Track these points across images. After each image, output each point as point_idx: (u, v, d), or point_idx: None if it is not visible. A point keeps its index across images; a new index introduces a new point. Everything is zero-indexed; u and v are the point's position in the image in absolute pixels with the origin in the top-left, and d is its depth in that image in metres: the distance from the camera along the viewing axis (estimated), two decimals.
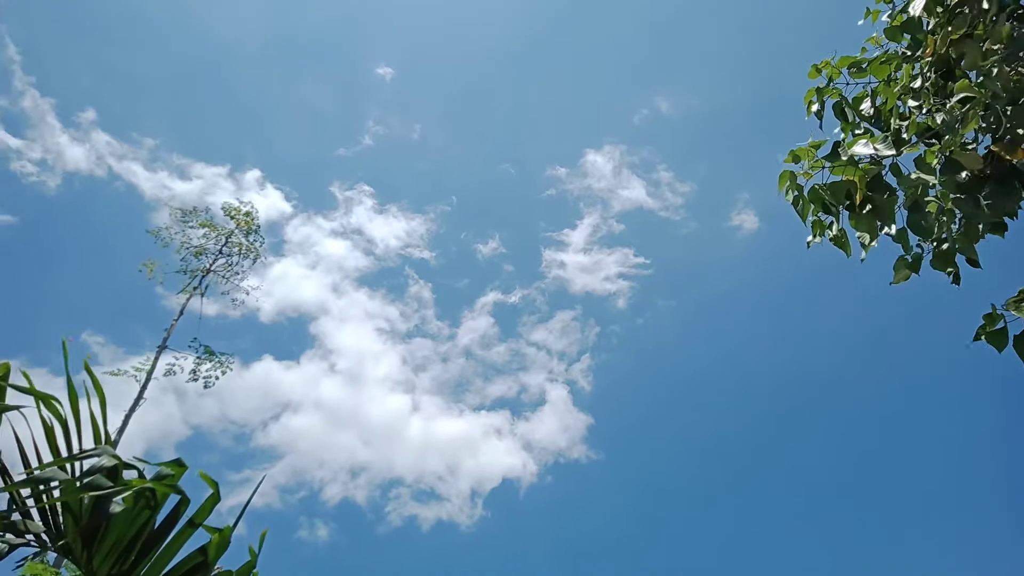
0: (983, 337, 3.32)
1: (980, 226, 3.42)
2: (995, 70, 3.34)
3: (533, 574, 28.69)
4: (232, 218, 22.78)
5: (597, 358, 34.14)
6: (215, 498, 2.12)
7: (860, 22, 4.05)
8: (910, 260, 3.83)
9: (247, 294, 22.79)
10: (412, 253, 36.23)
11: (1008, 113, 3.22)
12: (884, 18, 3.93)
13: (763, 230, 31.89)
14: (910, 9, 3.64)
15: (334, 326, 36.24)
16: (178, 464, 2.03)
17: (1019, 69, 3.43)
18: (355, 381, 36.12)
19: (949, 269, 3.54)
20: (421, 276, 37.12)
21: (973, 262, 3.48)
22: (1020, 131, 3.26)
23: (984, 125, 3.45)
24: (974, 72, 3.45)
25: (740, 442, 30.91)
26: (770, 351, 32.51)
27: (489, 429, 32.95)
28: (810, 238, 3.87)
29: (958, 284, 3.59)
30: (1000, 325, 3.27)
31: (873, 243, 3.64)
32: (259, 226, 23.08)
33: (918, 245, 3.74)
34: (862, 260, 3.67)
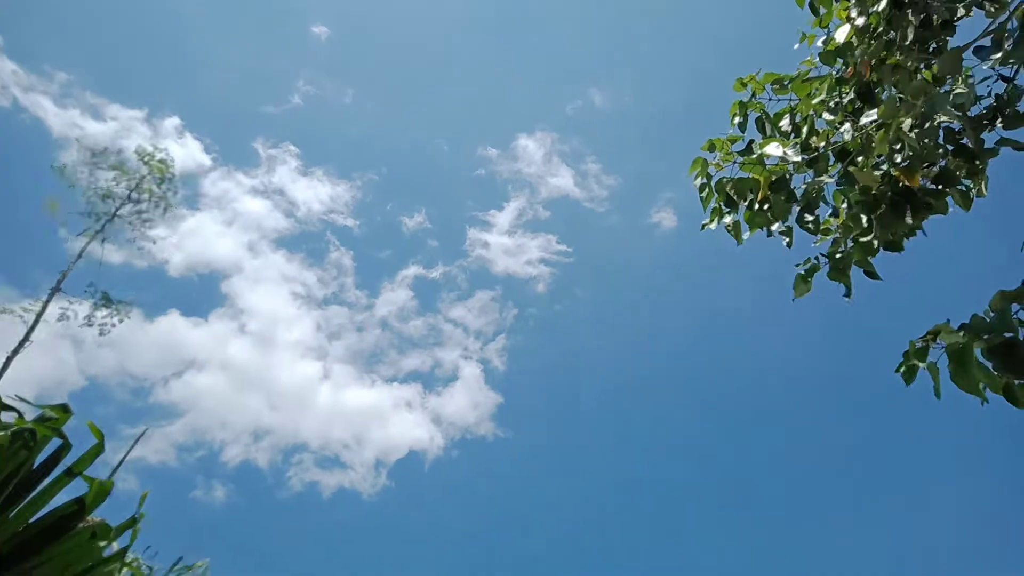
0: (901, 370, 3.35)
1: (875, 242, 3.52)
2: (905, 99, 3.52)
3: (433, 545, 28.34)
4: (145, 163, 21.73)
5: (512, 340, 34.43)
6: (99, 448, 2.07)
7: (796, 46, 4.22)
8: (804, 273, 3.90)
9: (153, 243, 21.82)
10: (335, 219, 35.64)
11: (913, 140, 3.37)
12: (819, 43, 4.11)
13: (681, 229, 33.18)
14: (836, 35, 3.82)
15: (247, 286, 34.95)
16: (63, 409, 2.01)
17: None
18: (265, 344, 34.86)
19: (842, 280, 3.61)
20: (343, 243, 36.59)
21: (871, 274, 3.56)
22: (920, 159, 3.41)
23: (891, 149, 3.62)
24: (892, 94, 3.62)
25: (646, 432, 31.53)
26: (680, 347, 33.53)
27: (400, 401, 32.54)
28: (706, 221, 3.94)
29: (849, 297, 3.67)
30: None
31: (750, 233, 3.77)
32: (174, 175, 22.13)
33: (816, 257, 3.82)
34: (739, 243, 3.78)
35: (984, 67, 3.22)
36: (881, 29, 3.60)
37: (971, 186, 3.77)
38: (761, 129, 4.35)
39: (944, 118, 3.52)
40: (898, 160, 3.61)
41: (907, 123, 3.16)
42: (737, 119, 4.38)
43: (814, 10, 3.90)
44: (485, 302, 35.08)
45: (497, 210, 37.85)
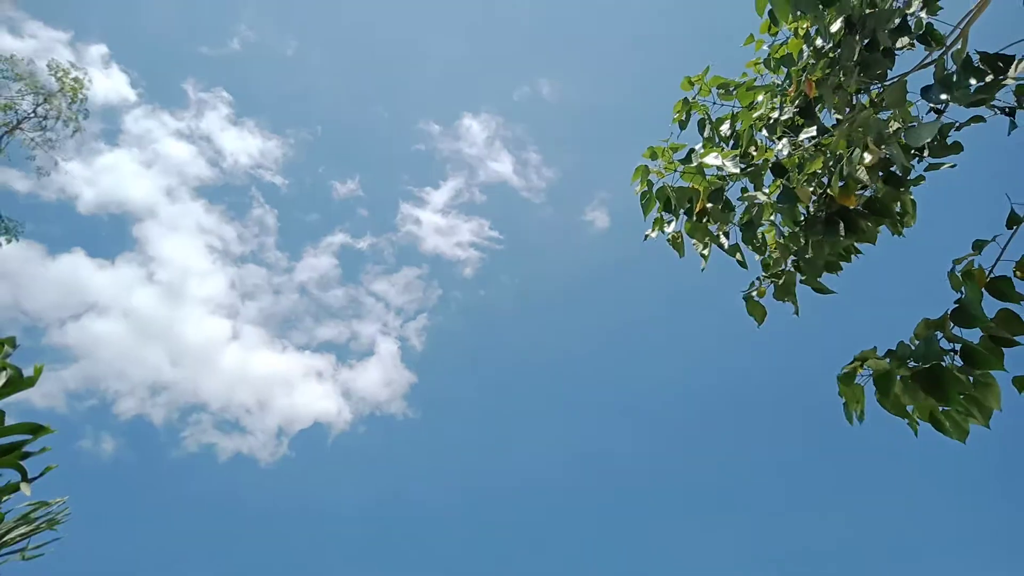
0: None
1: (819, 261, 3.56)
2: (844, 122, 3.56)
3: (328, 518, 27.84)
4: (58, 80, 19.57)
5: (434, 320, 34.01)
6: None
7: (743, 45, 4.17)
8: (755, 295, 3.88)
9: (55, 164, 19.75)
10: (262, 175, 33.41)
11: (850, 161, 3.40)
12: (766, 48, 4.09)
13: (612, 230, 34.04)
14: (787, 45, 3.80)
15: (161, 233, 32.09)
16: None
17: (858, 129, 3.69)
18: (174, 295, 32.36)
19: (788, 299, 3.63)
20: (268, 201, 34.35)
21: (821, 290, 3.59)
22: (855, 180, 3.44)
23: (825, 169, 3.67)
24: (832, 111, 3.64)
25: (557, 428, 32.40)
26: (599, 346, 34.62)
27: (310, 370, 31.31)
28: (649, 231, 3.86)
29: (797, 315, 3.69)
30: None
31: (706, 251, 3.69)
32: (87, 96, 19.97)
33: (760, 279, 3.83)
34: (702, 269, 3.71)
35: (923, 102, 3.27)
36: (827, 48, 3.60)
37: (902, 214, 3.89)
38: (701, 131, 4.31)
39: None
40: (829, 180, 3.66)
41: (860, 154, 3.16)
42: (680, 116, 4.31)
43: (773, 19, 3.84)
44: (410, 279, 34.23)
45: (433, 188, 36.76)
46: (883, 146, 3.02)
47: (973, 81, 2.75)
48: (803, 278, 3.56)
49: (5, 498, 2.24)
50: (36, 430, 2.18)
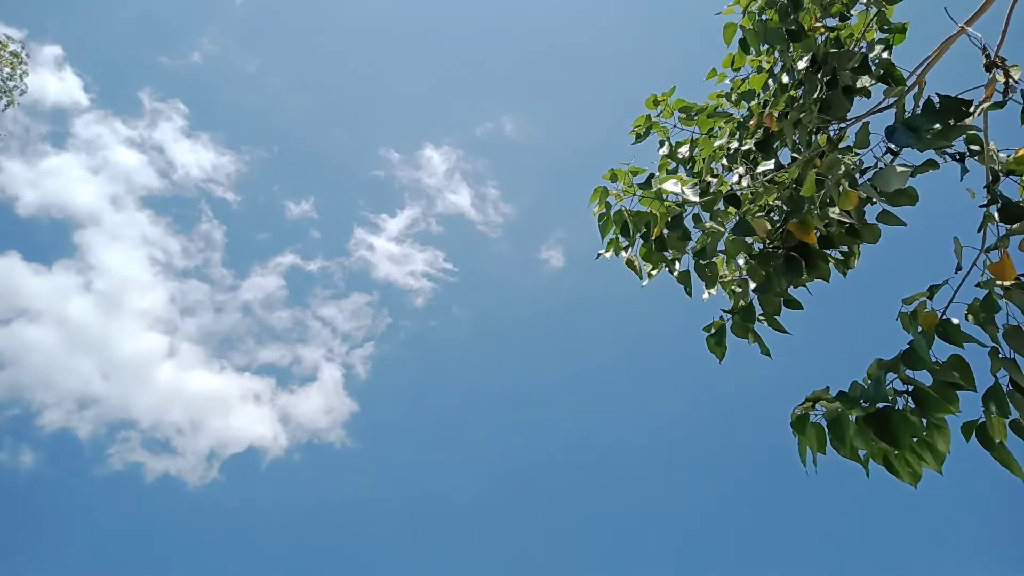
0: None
1: (779, 299, 3.48)
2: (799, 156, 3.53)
3: (255, 547, 26.56)
4: None
5: (381, 348, 33.12)
6: None
7: (705, 80, 4.15)
8: (713, 336, 3.76)
9: None
10: (213, 189, 32.09)
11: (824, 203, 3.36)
12: (728, 82, 4.08)
13: (567, 270, 34.28)
14: (761, 86, 3.77)
15: (103, 241, 30.37)
16: None
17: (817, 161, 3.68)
18: (110, 306, 30.56)
19: (750, 340, 3.53)
20: (217, 216, 32.95)
21: (778, 328, 3.49)
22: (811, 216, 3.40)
23: (780, 205, 3.64)
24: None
25: (500, 466, 31.98)
26: (547, 385, 34.60)
27: (248, 393, 29.90)
28: (603, 251, 3.75)
29: (768, 355, 3.58)
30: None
31: (654, 271, 3.62)
32: (26, 71, 18.77)
33: (721, 315, 3.72)
34: (643, 286, 3.63)
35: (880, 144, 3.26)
36: (792, 84, 3.58)
37: (848, 255, 3.89)
38: (660, 148, 4.26)
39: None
40: (786, 216, 3.62)
41: (837, 195, 3.11)
42: (639, 131, 4.25)
43: (744, 48, 3.81)
44: (360, 305, 33.41)
45: (389, 215, 36.15)
46: (858, 189, 2.98)
47: (936, 125, 2.73)
48: (761, 315, 3.49)
49: None
50: None
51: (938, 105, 2.96)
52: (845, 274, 3.95)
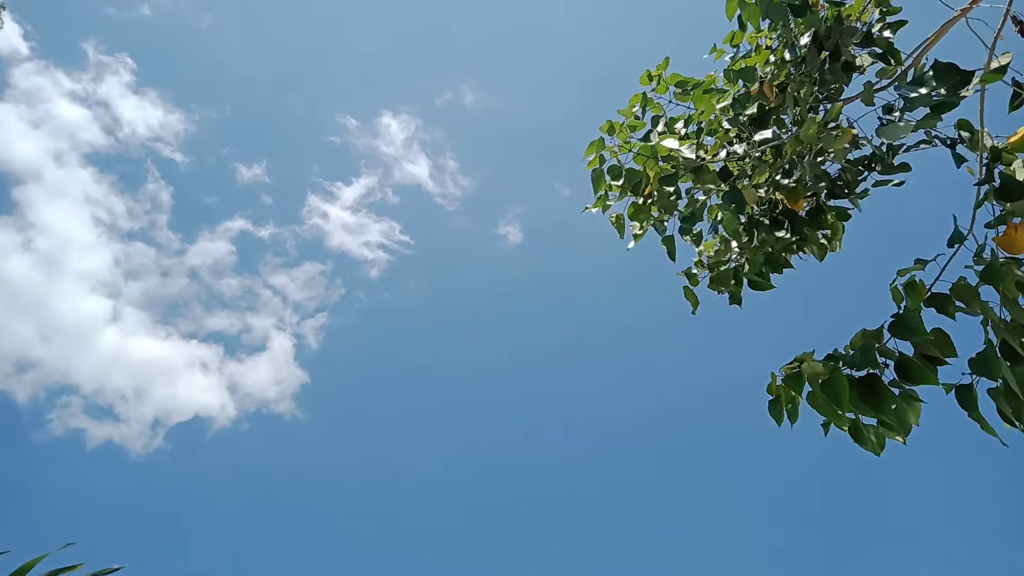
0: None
1: (761, 257, 3.44)
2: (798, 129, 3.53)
3: (200, 516, 25.19)
4: None
5: (333, 319, 32.07)
6: None
7: (705, 56, 4.15)
8: (690, 286, 3.69)
9: None
10: (160, 149, 30.87)
11: (800, 166, 3.34)
12: (727, 58, 4.08)
13: (524, 247, 34.14)
14: (765, 62, 3.77)
15: (43, 199, 28.81)
16: None
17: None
18: (51, 267, 28.87)
19: (724, 289, 3.46)
20: (164, 177, 31.76)
21: (761, 286, 3.45)
22: (804, 186, 3.39)
23: (772, 176, 3.61)
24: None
25: (452, 441, 31.09)
26: (499, 360, 34.02)
27: (195, 361, 28.52)
28: (589, 206, 3.64)
29: (739, 304, 3.52)
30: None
31: (640, 231, 3.52)
32: (4, 5, 17.96)
33: (696, 267, 3.65)
34: (628, 248, 3.51)
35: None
36: (793, 60, 3.60)
37: (829, 238, 3.88)
38: (655, 127, 4.20)
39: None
40: (783, 181, 3.59)
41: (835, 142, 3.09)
42: (636, 109, 4.19)
43: (742, 25, 3.83)
44: (312, 275, 32.55)
45: (344, 183, 35.51)
46: (855, 131, 2.96)
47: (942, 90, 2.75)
48: (745, 271, 3.42)
49: None
50: None
51: (929, 70, 3.00)
52: (822, 258, 3.95)
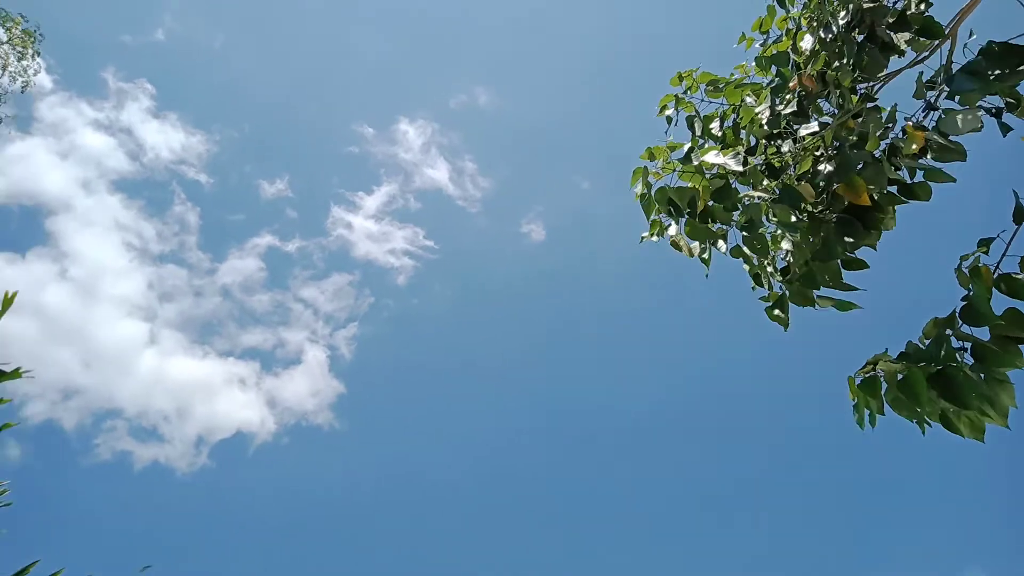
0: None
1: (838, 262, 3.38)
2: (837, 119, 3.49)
3: (247, 531, 26.79)
4: (6, 30, 18.32)
5: (364, 329, 32.94)
6: None
7: (735, 45, 4.08)
8: (772, 303, 3.64)
9: (0, 122, 18.38)
10: (185, 171, 31.63)
11: (848, 157, 3.32)
12: (757, 46, 4.01)
13: (548, 244, 34.07)
14: (801, 44, 3.69)
15: (75, 227, 29.99)
16: None
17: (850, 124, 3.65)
18: (87, 294, 30.32)
19: (818, 303, 3.42)
20: (190, 198, 32.57)
21: (843, 286, 3.34)
22: (848, 169, 3.36)
23: (824, 167, 3.60)
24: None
25: (486, 441, 32.03)
26: (532, 357, 34.49)
27: (233, 378, 29.77)
28: (645, 234, 3.72)
29: (854, 307, 3.43)
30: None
31: (705, 255, 3.56)
32: (39, 51, 18.69)
33: (779, 284, 3.64)
34: (706, 276, 3.58)
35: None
36: (830, 39, 3.52)
37: (882, 217, 3.85)
38: (691, 128, 4.20)
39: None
40: (826, 170, 3.57)
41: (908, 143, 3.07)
42: (668, 111, 4.18)
43: (780, 3, 3.74)
44: (341, 286, 33.14)
45: (366, 192, 35.62)
46: (924, 134, 2.94)
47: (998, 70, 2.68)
48: (825, 280, 3.40)
49: None
50: None
51: (997, 50, 2.90)
52: (877, 241, 3.91)
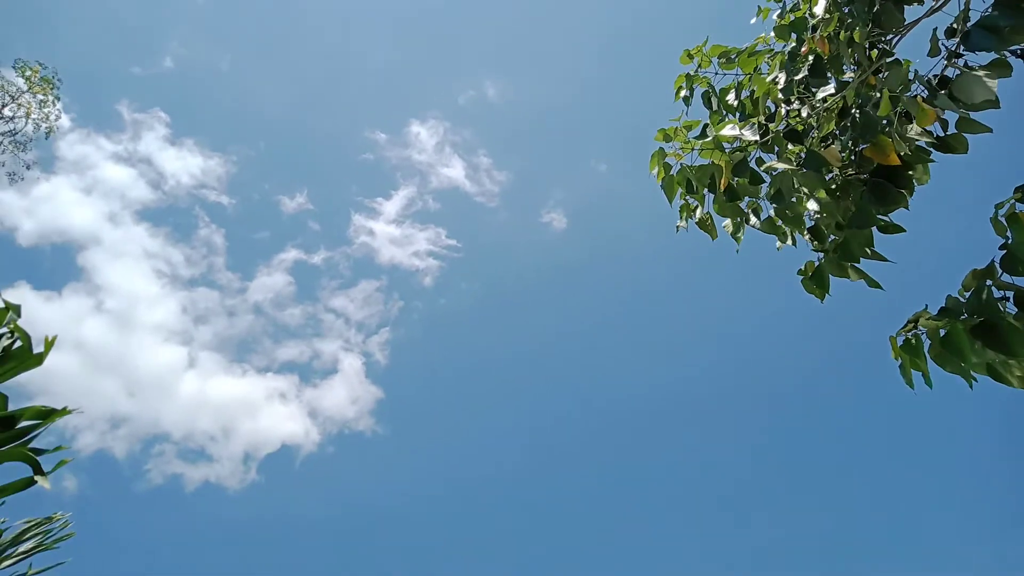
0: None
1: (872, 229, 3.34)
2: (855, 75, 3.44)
3: (301, 542, 27.44)
4: (25, 78, 19.22)
5: (396, 333, 33.46)
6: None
7: (753, 20, 4.02)
8: (809, 275, 3.64)
9: (27, 169, 19.77)
10: (206, 195, 32.55)
11: (872, 117, 3.28)
12: (774, 16, 3.94)
13: (571, 231, 33.76)
14: (815, 8, 3.62)
15: (106, 260, 31.28)
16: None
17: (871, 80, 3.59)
18: (124, 324, 31.66)
19: (851, 276, 3.40)
20: (214, 221, 33.52)
21: (878, 257, 3.30)
22: (879, 136, 3.33)
23: (846, 129, 3.56)
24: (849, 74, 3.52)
25: (526, 432, 32.11)
26: (565, 346, 34.32)
27: (273, 392, 30.78)
28: (679, 222, 3.73)
29: (879, 287, 3.42)
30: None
31: (740, 233, 3.57)
32: (59, 97, 19.52)
33: (816, 252, 3.61)
34: (736, 251, 3.59)
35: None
36: (839, 4, 3.47)
37: (913, 174, 3.79)
38: (707, 104, 4.17)
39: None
40: (854, 141, 3.53)
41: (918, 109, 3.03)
42: (683, 92, 4.16)
43: None
44: (369, 292, 33.65)
45: (384, 198, 36.01)
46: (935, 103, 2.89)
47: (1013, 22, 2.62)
48: (862, 251, 3.37)
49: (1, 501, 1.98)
50: (47, 415, 1.88)
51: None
52: (910, 195, 3.84)
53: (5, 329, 1.83)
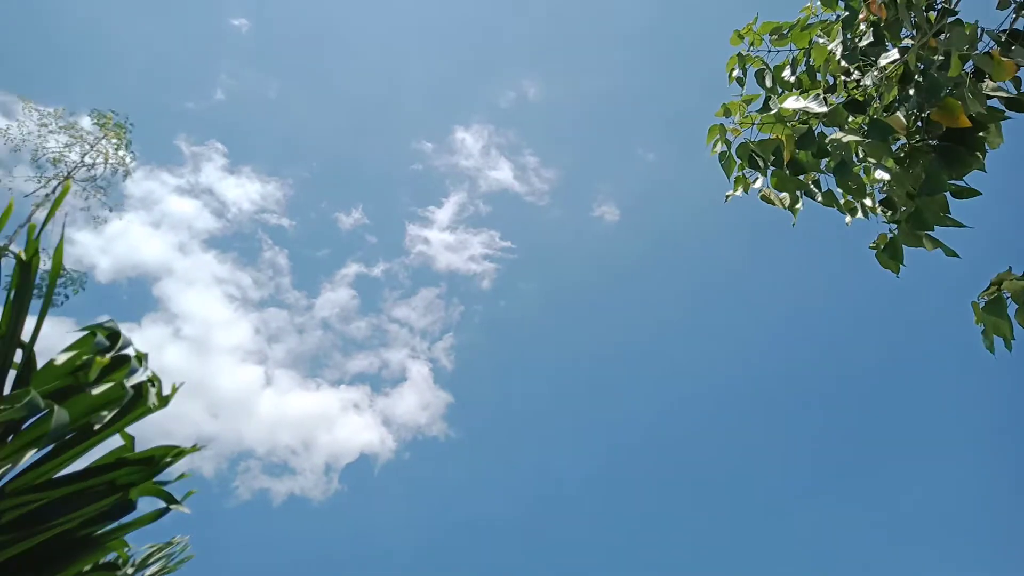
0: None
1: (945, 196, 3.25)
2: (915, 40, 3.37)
3: (386, 548, 28.03)
4: (101, 127, 20.41)
5: (459, 337, 33.99)
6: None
7: None
8: (882, 248, 3.54)
9: (110, 211, 20.75)
10: (267, 219, 33.74)
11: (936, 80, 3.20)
12: None
13: (623, 223, 33.71)
14: None
15: (179, 289, 32.87)
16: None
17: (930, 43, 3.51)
18: (202, 349, 33.04)
19: (926, 245, 3.31)
20: (276, 243, 34.71)
21: (954, 223, 3.13)
22: (937, 91, 3.25)
23: (908, 96, 3.48)
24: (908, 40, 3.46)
25: (598, 427, 32.01)
26: (628, 340, 34.13)
27: (347, 404, 31.75)
28: (730, 192, 3.70)
29: (956, 255, 3.30)
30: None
31: (798, 206, 3.52)
32: (131, 141, 20.71)
33: (889, 224, 3.52)
34: (793, 224, 3.54)
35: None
36: None
37: (985, 136, 3.69)
38: (761, 83, 4.13)
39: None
40: (920, 106, 3.45)
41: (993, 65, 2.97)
42: (736, 72, 4.13)
43: None
44: (430, 300, 34.33)
45: (436, 206, 36.82)
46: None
47: None
48: (936, 217, 3.26)
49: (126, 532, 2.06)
50: (178, 454, 2.02)
51: None
52: (984, 156, 3.73)
53: (141, 377, 1.92)
